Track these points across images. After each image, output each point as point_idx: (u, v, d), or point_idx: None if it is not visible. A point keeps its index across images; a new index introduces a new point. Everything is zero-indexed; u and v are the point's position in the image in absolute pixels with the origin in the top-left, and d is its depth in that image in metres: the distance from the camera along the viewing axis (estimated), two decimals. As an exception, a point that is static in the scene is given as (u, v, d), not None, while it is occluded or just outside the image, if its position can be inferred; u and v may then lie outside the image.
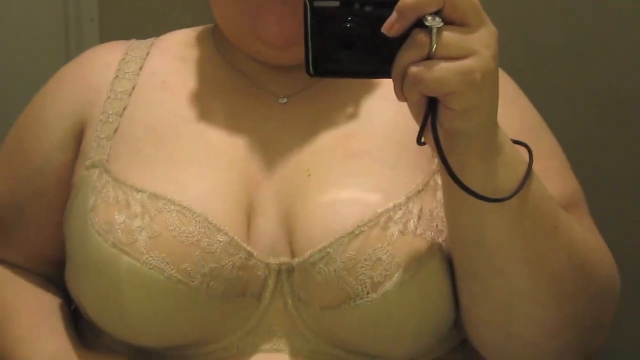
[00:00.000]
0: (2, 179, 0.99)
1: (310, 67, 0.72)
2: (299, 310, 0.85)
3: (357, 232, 0.82)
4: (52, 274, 0.98)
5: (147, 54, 0.97)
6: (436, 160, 0.86)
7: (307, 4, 0.71)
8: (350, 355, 0.85)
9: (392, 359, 0.86)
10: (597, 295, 0.86)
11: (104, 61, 0.97)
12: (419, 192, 0.85)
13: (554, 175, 0.90)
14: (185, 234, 0.83)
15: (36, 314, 0.95)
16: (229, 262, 0.83)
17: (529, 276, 0.80)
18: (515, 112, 0.92)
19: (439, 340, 0.88)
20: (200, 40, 0.99)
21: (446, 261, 0.84)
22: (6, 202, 0.98)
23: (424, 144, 0.74)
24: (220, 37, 0.96)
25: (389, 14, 0.69)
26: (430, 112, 0.71)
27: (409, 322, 0.83)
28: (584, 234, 0.86)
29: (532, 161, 0.79)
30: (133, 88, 0.94)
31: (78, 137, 0.95)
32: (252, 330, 0.86)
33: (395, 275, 0.81)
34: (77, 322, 0.96)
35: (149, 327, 0.84)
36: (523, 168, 0.78)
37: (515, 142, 0.79)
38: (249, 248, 0.84)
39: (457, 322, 0.89)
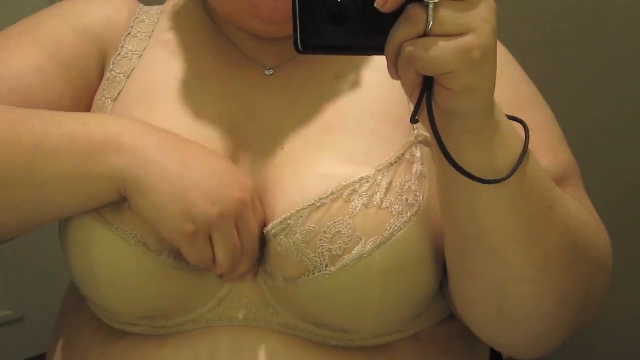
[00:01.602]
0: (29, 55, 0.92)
1: (299, 43, 0.68)
2: (267, 283, 0.85)
3: (318, 204, 0.81)
4: None
5: (158, 19, 0.98)
6: (415, 133, 0.85)
7: None
8: (320, 330, 0.85)
9: (361, 334, 0.85)
10: (591, 272, 0.85)
11: (122, 11, 0.98)
12: (391, 164, 0.83)
13: (545, 148, 0.88)
14: None
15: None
16: None
17: (524, 255, 0.78)
18: (506, 82, 0.89)
19: (418, 315, 0.87)
20: (194, 7, 0.99)
21: (419, 234, 0.82)
22: (36, 74, 0.92)
23: (417, 122, 0.71)
24: (210, 6, 0.95)
25: None
26: (425, 92, 0.68)
27: (370, 298, 0.82)
28: (578, 211, 0.84)
29: (528, 139, 0.76)
30: (144, 50, 0.95)
31: (102, 56, 0.95)
32: (221, 302, 0.86)
33: (355, 249, 0.80)
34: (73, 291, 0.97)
35: (117, 293, 0.84)
36: (519, 147, 0.75)
37: (511, 118, 0.77)
38: None
39: (440, 299, 0.88)
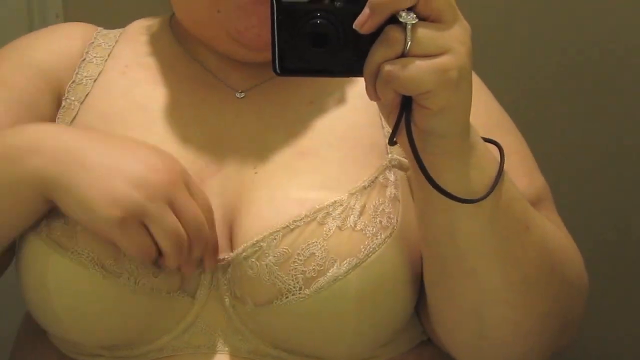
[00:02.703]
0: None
1: (277, 66, 0.69)
2: (235, 308, 0.84)
3: (292, 226, 0.81)
4: None
5: (116, 42, 0.96)
6: (389, 157, 0.86)
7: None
8: (291, 356, 0.84)
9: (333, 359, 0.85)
10: (568, 294, 0.85)
11: (77, 38, 0.96)
12: (364, 188, 0.84)
13: (521, 171, 0.89)
14: None
15: None
16: None
17: (502, 276, 0.79)
18: (480, 107, 0.90)
19: (390, 342, 0.87)
20: (160, 29, 0.98)
21: (394, 256, 0.82)
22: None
23: (395, 143, 0.72)
24: (179, 29, 0.95)
25: (361, 10, 0.66)
26: (404, 111, 0.69)
27: (345, 321, 0.81)
28: (554, 232, 0.85)
29: (504, 160, 0.77)
30: (99, 74, 0.93)
31: (55, 86, 0.93)
32: (187, 329, 0.85)
33: (330, 271, 0.80)
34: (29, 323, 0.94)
35: (76, 322, 0.82)
36: (495, 167, 0.76)
37: (486, 140, 0.78)
38: None
39: (416, 324, 0.88)
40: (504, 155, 0.77)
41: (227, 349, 0.84)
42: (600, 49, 1.58)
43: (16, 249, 0.88)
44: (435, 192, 0.72)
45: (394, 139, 0.72)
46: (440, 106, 0.69)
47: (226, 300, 0.84)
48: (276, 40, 0.68)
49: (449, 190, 0.72)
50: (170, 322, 0.84)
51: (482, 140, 0.76)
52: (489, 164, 0.76)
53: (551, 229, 0.84)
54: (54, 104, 0.92)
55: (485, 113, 0.91)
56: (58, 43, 0.96)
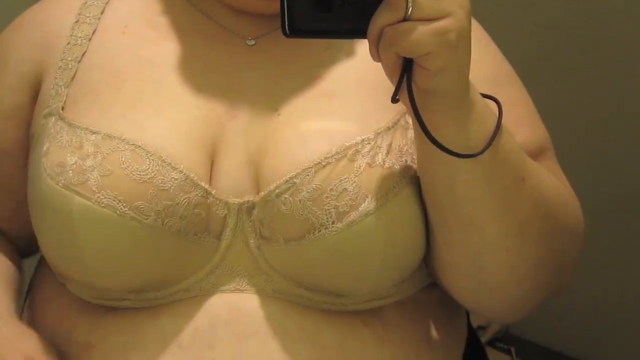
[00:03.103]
0: None
1: (287, 27, 0.72)
2: (261, 249, 0.86)
3: (324, 163, 0.83)
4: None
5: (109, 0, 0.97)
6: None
7: None
8: (314, 294, 0.86)
9: (355, 298, 0.87)
10: (563, 239, 0.89)
11: (65, 5, 0.96)
12: (389, 128, 0.86)
13: (523, 122, 0.92)
14: (138, 172, 0.83)
15: None
16: (184, 199, 0.83)
17: (498, 225, 0.83)
18: (488, 58, 0.94)
19: (403, 281, 0.89)
20: None
21: (415, 197, 0.85)
22: None
23: (398, 101, 0.76)
24: None
25: None
26: (405, 72, 0.73)
27: (373, 255, 0.84)
28: (550, 181, 0.88)
29: (502, 116, 0.81)
30: (93, 32, 0.94)
31: (34, 83, 0.94)
32: (213, 270, 0.86)
33: (362, 206, 0.82)
34: (42, 275, 0.97)
35: (105, 266, 0.85)
36: (493, 122, 0.80)
37: (485, 96, 0.81)
38: (206, 186, 0.84)
39: (425, 265, 0.91)
40: (501, 112, 0.81)
41: (252, 289, 0.86)
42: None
43: (29, 197, 0.90)
44: (435, 146, 0.76)
45: (397, 97, 0.76)
46: (440, 67, 0.72)
47: (251, 241, 0.86)
48: (285, 3, 0.72)
49: (449, 145, 0.76)
50: (196, 264, 0.86)
51: (480, 97, 0.80)
52: (488, 120, 0.79)
53: (547, 178, 0.87)
54: (32, 99, 0.94)
55: (493, 65, 0.94)
56: (44, 16, 0.96)
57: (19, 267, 1.02)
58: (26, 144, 0.95)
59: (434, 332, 0.92)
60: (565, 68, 1.68)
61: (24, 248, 1.04)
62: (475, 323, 1.52)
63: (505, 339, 1.86)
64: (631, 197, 1.67)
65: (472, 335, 1.04)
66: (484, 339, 1.80)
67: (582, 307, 1.75)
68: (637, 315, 1.73)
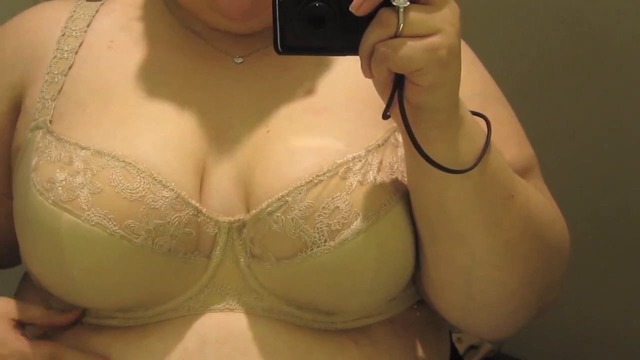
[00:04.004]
0: None
1: (279, 44, 0.73)
2: (251, 267, 0.85)
3: (315, 181, 0.83)
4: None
5: (96, 12, 0.96)
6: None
7: None
8: (304, 313, 0.86)
9: (345, 316, 0.87)
10: (551, 257, 0.90)
11: (51, 17, 0.96)
12: (379, 146, 0.86)
13: (511, 141, 0.93)
14: (129, 190, 0.82)
15: None
16: (175, 218, 0.83)
17: (487, 241, 0.83)
18: (476, 76, 0.95)
19: (393, 299, 0.90)
20: (151, 1, 0.97)
21: (406, 214, 0.85)
22: None
23: (389, 117, 0.77)
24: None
25: None
26: (397, 88, 0.74)
27: (365, 273, 0.84)
28: (538, 200, 0.89)
29: (490, 132, 0.81)
30: (79, 46, 0.93)
31: (16, 94, 0.94)
32: (202, 289, 0.86)
33: (353, 224, 0.82)
34: (26, 291, 0.96)
35: (93, 285, 0.84)
36: (482, 139, 0.81)
37: (474, 113, 0.82)
38: (197, 204, 0.84)
39: (414, 283, 0.91)
40: (490, 129, 0.81)
41: (242, 308, 0.86)
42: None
43: (15, 212, 0.89)
44: (425, 162, 0.76)
45: (387, 114, 0.76)
46: (431, 83, 0.73)
47: (241, 260, 0.85)
48: (277, 20, 0.72)
49: (439, 160, 0.77)
50: (185, 283, 0.86)
51: (470, 114, 0.80)
52: (477, 136, 0.80)
53: (535, 196, 0.88)
54: (11, 109, 0.94)
55: (481, 83, 0.95)
56: (16, 43, 0.96)
57: None
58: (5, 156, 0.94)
59: (420, 350, 0.92)
60: (553, 87, 1.69)
61: (5, 257, 1.02)
62: (467, 343, 1.51)
63: (497, 358, 1.86)
64: (622, 213, 1.68)
65: (454, 354, 1.04)
66: (475, 358, 1.80)
67: (574, 326, 1.75)
68: (631, 334, 1.73)
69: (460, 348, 1.58)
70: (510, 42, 1.66)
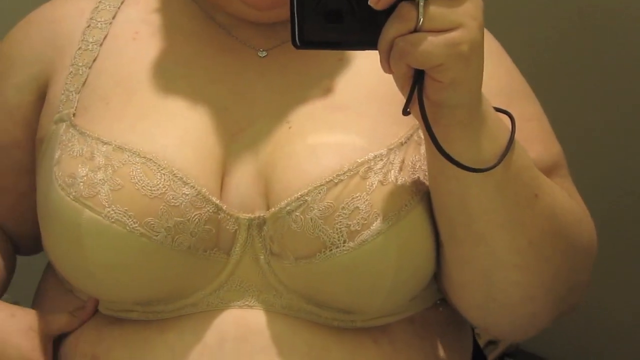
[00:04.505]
0: None
1: (297, 39, 0.72)
2: (270, 264, 0.85)
3: (336, 180, 0.82)
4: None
5: (122, 3, 0.96)
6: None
7: None
8: (323, 311, 0.86)
9: (365, 314, 0.86)
10: (575, 258, 0.88)
11: (77, 8, 0.96)
12: (402, 144, 0.85)
13: (537, 138, 0.91)
14: (149, 187, 0.82)
15: None
16: (195, 215, 0.82)
17: (509, 242, 0.82)
18: (502, 72, 0.93)
19: (414, 298, 0.89)
20: None
21: (427, 214, 0.84)
22: None
23: (409, 114, 0.75)
24: None
25: None
26: (416, 84, 0.72)
27: (385, 274, 0.83)
28: (563, 199, 0.87)
29: (515, 130, 0.79)
30: (104, 38, 0.93)
31: (42, 84, 0.94)
32: (222, 286, 0.86)
33: (374, 225, 0.81)
34: (49, 281, 0.96)
35: (112, 280, 0.84)
36: (505, 137, 0.79)
37: (498, 110, 0.80)
38: (217, 201, 0.83)
39: (435, 282, 0.90)
40: (514, 126, 0.80)
41: (261, 305, 0.85)
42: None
43: (38, 203, 0.89)
44: (446, 160, 0.75)
45: (407, 110, 0.74)
46: (452, 79, 0.71)
47: (261, 257, 0.85)
48: (295, 15, 0.71)
49: (460, 159, 0.75)
50: (205, 279, 0.85)
51: (493, 111, 0.79)
52: (500, 134, 0.78)
53: (560, 196, 0.86)
54: (37, 99, 0.94)
55: (507, 78, 0.93)
56: (42, 34, 0.95)
57: (8, 263, 1.01)
58: (24, 144, 0.95)
59: (441, 350, 0.91)
60: (580, 82, 1.67)
61: (27, 246, 1.03)
62: (485, 338, 1.50)
63: (515, 354, 1.85)
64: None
65: (478, 351, 1.03)
66: (494, 354, 1.79)
67: (594, 323, 1.74)
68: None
69: (480, 343, 1.56)
70: (523, 37, 1.64)
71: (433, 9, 0.69)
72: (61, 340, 0.91)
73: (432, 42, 0.69)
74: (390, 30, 0.70)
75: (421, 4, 0.69)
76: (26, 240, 1.02)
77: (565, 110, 1.60)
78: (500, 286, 0.84)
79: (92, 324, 0.89)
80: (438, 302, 0.93)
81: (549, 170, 0.90)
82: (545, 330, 0.92)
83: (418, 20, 0.69)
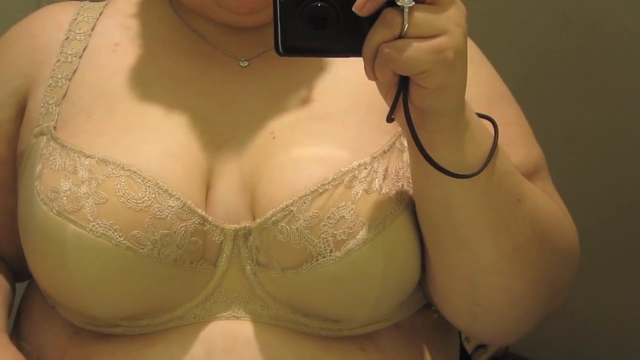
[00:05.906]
0: None
1: (280, 46, 0.71)
2: (257, 275, 0.85)
3: (320, 190, 0.81)
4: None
5: (100, 14, 0.95)
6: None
7: None
8: (311, 320, 0.85)
9: (352, 323, 0.86)
10: (558, 262, 0.88)
11: (55, 21, 0.95)
12: (385, 152, 0.85)
13: (518, 142, 0.91)
14: (134, 200, 0.81)
15: None
16: (181, 227, 0.82)
17: (494, 247, 0.82)
18: (483, 78, 0.93)
19: (400, 304, 0.88)
20: (155, 2, 0.96)
21: (412, 221, 0.84)
22: None
23: (393, 120, 0.75)
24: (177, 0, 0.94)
25: None
26: (402, 90, 0.72)
27: (372, 283, 0.83)
28: (546, 203, 0.87)
29: (498, 136, 0.80)
30: (84, 50, 0.92)
31: (21, 99, 0.93)
32: (209, 297, 0.85)
33: (359, 234, 0.81)
34: (32, 297, 0.95)
35: (98, 294, 0.83)
36: (488, 142, 0.79)
37: (481, 115, 0.80)
38: (203, 213, 0.83)
39: (420, 288, 0.90)
40: (497, 132, 0.80)
41: (248, 316, 0.85)
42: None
43: (20, 219, 0.88)
44: (430, 167, 0.75)
45: (392, 117, 0.74)
46: (437, 85, 0.71)
47: (247, 268, 0.84)
48: (278, 21, 0.71)
49: (444, 165, 0.75)
50: (191, 291, 0.85)
51: (476, 117, 0.79)
52: (483, 140, 0.79)
53: (543, 201, 0.87)
54: (17, 115, 0.93)
55: (488, 83, 0.94)
56: (20, 49, 0.94)
57: (12, 284, 0.99)
58: (8, 162, 0.93)
59: (428, 355, 0.91)
60: (563, 87, 1.67)
61: (15, 270, 1.01)
62: (475, 342, 1.50)
63: (505, 357, 1.85)
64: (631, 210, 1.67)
65: (465, 356, 1.04)
66: (483, 358, 1.79)
67: (582, 325, 1.74)
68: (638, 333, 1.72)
69: (469, 347, 1.57)
70: (510, 41, 1.64)
71: (418, 15, 0.69)
72: (44, 355, 0.89)
73: (417, 48, 0.69)
74: (375, 36, 0.70)
75: (406, 10, 0.69)
76: (15, 262, 0.99)
77: (551, 113, 1.62)
78: (485, 291, 0.84)
79: (76, 340, 0.88)
80: (424, 307, 0.93)
81: (530, 174, 0.90)
82: (535, 332, 0.92)
83: (403, 26, 0.69)
